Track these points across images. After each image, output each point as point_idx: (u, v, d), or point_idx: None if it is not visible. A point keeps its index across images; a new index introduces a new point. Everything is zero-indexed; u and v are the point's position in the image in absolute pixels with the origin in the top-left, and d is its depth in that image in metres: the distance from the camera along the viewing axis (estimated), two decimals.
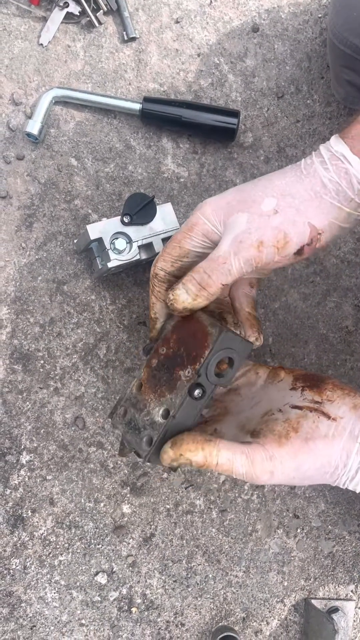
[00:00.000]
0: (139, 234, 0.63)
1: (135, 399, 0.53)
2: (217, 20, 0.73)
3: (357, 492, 0.49)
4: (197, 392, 0.48)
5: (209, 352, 0.48)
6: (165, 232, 0.64)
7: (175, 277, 0.53)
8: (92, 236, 0.61)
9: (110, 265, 0.61)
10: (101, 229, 0.62)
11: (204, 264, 0.49)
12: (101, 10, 0.70)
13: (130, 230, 0.62)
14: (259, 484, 0.49)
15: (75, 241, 0.68)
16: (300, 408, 0.51)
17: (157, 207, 0.63)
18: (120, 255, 0.62)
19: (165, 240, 0.64)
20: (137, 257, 0.63)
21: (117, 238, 0.62)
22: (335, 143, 0.48)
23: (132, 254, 0.62)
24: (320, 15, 0.74)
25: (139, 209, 0.62)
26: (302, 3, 0.74)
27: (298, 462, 0.48)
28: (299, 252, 0.49)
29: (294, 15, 0.74)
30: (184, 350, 0.51)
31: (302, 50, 0.74)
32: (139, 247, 0.63)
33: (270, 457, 0.47)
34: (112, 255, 0.62)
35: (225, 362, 0.50)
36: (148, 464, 0.69)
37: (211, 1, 0.73)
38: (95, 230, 0.61)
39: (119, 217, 0.62)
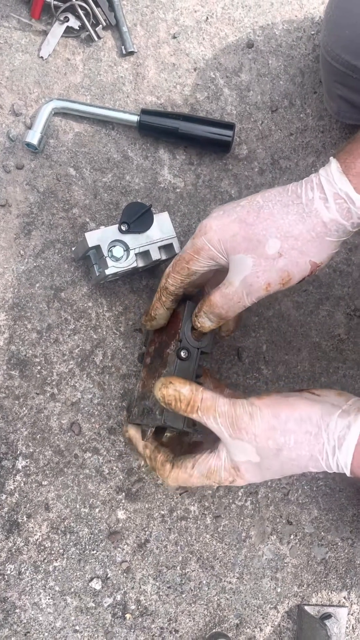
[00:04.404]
0: (136, 242, 0.64)
1: (142, 394, 0.62)
2: (213, 36, 0.75)
3: (347, 470, 0.49)
4: (182, 352, 0.58)
5: (183, 323, 0.59)
6: (162, 241, 0.65)
7: (183, 289, 0.59)
8: (91, 243, 0.62)
9: (108, 272, 0.63)
10: (99, 236, 0.63)
11: (220, 300, 0.55)
12: (100, 25, 0.71)
13: (128, 238, 0.64)
14: (241, 433, 0.51)
15: (73, 249, 0.69)
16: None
17: (154, 216, 0.65)
18: (118, 262, 0.63)
19: (161, 248, 0.65)
20: (135, 264, 0.64)
21: (114, 246, 0.63)
22: (340, 179, 0.49)
23: (129, 262, 0.63)
24: (313, 33, 0.76)
25: (137, 218, 0.64)
26: (295, 20, 0.76)
27: (276, 410, 0.51)
28: (299, 282, 0.54)
29: (287, 32, 0.76)
30: (166, 337, 0.61)
31: (296, 66, 0.76)
32: (136, 254, 0.64)
33: (250, 403, 0.52)
34: (109, 262, 0.63)
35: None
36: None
37: (207, 17, 0.75)
38: (93, 237, 0.63)
39: (117, 225, 0.63)
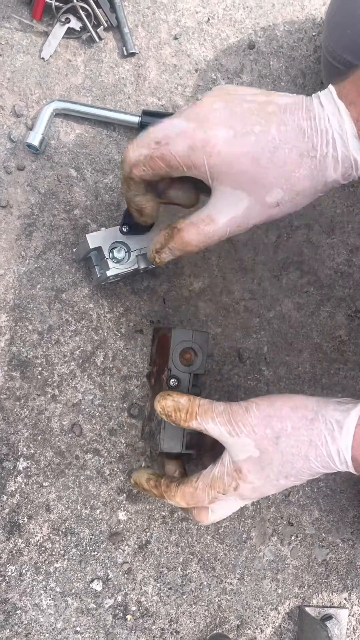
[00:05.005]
0: (137, 243, 0.64)
1: (149, 414, 0.65)
2: (215, 37, 0.75)
3: (348, 454, 0.49)
4: (171, 381, 0.59)
5: (170, 351, 0.60)
6: None
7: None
8: (92, 245, 0.62)
9: (109, 273, 0.63)
10: (100, 238, 0.63)
11: (197, 238, 0.52)
12: (102, 26, 0.71)
13: (129, 240, 0.64)
14: (238, 427, 0.52)
15: (74, 250, 0.69)
16: None
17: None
18: (119, 264, 0.63)
19: None
20: (136, 266, 0.64)
21: (115, 247, 0.63)
22: (354, 146, 0.48)
23: (130, 263, 0.63)
24: (314, 34, 0.76)
25: None
26: (297, 21, 0.76)
27: (271, 401, 0.52)
28: None
29: (289, 33, 0.76)
30: (163, 361, 0.62)
31: (297, 67, 0.76)
32: (137, 256, 0.64)
33: (245, 401, 0.53)
34: (111, 264, 0.63)
35: (190, 353, 0.60)
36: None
37: (209, 18, 0.75)
38: (94, 239, 0.62)
39: (118, 226, 0.63)
